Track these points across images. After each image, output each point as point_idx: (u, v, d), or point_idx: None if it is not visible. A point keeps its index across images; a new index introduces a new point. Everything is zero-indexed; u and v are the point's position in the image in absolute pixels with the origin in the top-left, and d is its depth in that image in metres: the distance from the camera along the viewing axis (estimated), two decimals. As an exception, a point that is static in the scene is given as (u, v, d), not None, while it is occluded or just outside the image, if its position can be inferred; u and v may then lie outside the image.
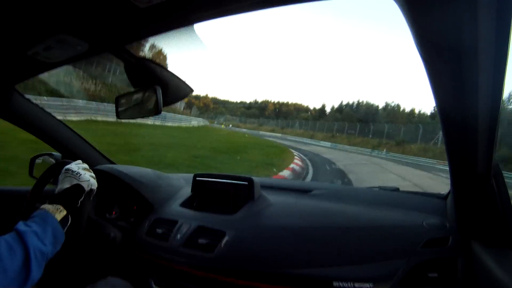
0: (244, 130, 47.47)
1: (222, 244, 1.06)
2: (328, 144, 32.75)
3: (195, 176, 1.42)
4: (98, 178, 1.52)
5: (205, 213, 1.25)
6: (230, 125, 57.45)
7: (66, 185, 0.94)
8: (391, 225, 1.07)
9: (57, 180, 1.65)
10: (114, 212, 1.49)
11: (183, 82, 0.91)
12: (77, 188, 0.95)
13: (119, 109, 0.98)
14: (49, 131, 1.51)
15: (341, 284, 0.90)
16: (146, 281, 1.20)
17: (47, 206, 0.87)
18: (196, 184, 1.42)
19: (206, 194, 1.41)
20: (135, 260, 1.23)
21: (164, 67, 0.86)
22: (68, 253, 1.03)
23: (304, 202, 1.32)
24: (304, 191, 1.46)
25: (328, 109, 72.02)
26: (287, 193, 1.46)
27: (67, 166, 0.99)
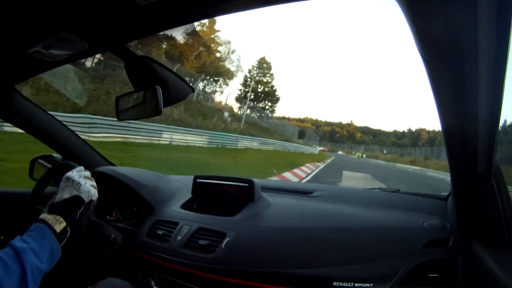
0: (381, 161, 44.13)
1: (223, 245, 1.06)
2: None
3: (195, 178, 1.42)
4: (98, 180, 1.52)
5: (206, 214, 1.25)
6: (364, 155, 53.84)
7: (66, 195, 0.92)
8: (392, 226, 1.07)
9: (58, 183, 1.66)
10: (114, 214, 1.49)
11: (184, 82, 0.91)
12: (77, 199, 0.93)
13: (119, 109, 0.98)
14: (50, 132, 1.50)
15: (341, 284, 0.90)
16: (146, 281, 1.19)
17: (47, 217, 0.85)
18: (196, 186, 1.42)
19: (206, 196, 1.41)
20: (135, 260, 1.23)
21: (164, 66, 0.85)
22: (68, 254, 1.02)
23: (305, 203, 1.32)
24: (304, 193, 1.46)
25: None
26: (287, 195, 1.46)
27: (68, 174, 0.96)
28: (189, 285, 1.08)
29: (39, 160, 1.63)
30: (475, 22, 0.49)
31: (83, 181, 0.96)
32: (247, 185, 1.29)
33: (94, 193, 0.98)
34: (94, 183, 1.01)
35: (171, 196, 1.46)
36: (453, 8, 0.47)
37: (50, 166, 1.60)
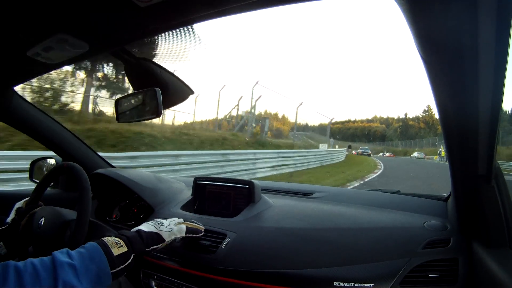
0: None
1: (223, 246, 1.06)
2: None
3: (195, 179, 1.42)
4: (98, 182, 1.53)
5: (206, 216, 1.25)
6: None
7: (144, 228, 0.91)
8: (392, 227, 1.07)
9: (57, 184, 1.66)
10: (114, 215, 1.49)
11: (183, 84, 0.91)
12: (152, 235, 0.90)
13: (119, 111, 0.98)
14: (50, 134, 1.50)
15: (341, 284, 0.90)
16: (146, 281, 1.19)
17: (107, 238, 0.80)
18: (196, 188, 1.42)
19: (206, 197, 1.41)
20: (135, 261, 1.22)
21: (164, 68, 0.85)
22: None
23: (305, 204, 1.32)
24: (305, 194, 1.46)
25: None
26: (288, 196, 1.46)
27: (157, 219, 0.99)
28: (189, 285, 1.08)
29: (39, 162, 1.64)
30: (475, 22, 0.49)
31: (167, 223, 0.97)
32: (247, 186, 1.29)
33: (179, 230, 0.98)
34: (182, 221, 1.02)
35: (171, 198, 1.46)
36: (453, 8, 0.47)
37: (50, 167, 1.61)
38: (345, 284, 0.90)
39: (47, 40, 0.71)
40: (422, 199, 1.34)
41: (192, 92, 0.93)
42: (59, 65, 0.88)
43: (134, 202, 1.50)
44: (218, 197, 1.38)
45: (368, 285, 0.89)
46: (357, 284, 0.89)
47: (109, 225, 1.30)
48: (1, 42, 0.77)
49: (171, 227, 0.96)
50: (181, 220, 1.04)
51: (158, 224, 0.94)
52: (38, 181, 1.25)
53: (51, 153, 1.61)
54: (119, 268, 0.77)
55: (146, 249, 0.86)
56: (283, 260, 0.99)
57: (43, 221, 1.09)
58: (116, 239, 0.80)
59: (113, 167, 1.74)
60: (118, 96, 1.01)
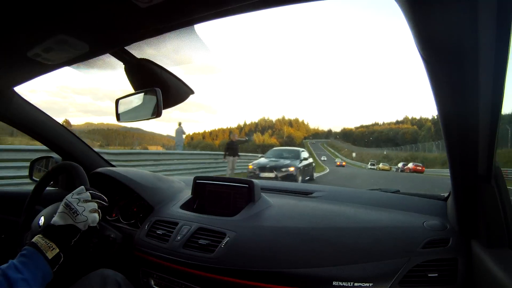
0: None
1: (223, 245, 1.06)
2: None
3: (195, 178, 1.42)
4: (97, 181, 1.53)
5: (205, 215, 1.25)
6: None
7: (61, 221, 0.87)
8: (391, 226, 1.07)
9: (57, 183, 1.66)
10: (114, 214, 1.49)
11: (184, 84, 0.91)
12: (71, 228, 0.88)
13: (119, 111, 0.98)
14: (50, 134, 1.51)
15: (340, 283, 0.90)
16: (145, 281, 1.20)
17: (40, 242, 0.82)
18: (196, 187, 1.42)
19: (206, 196, 1.41)
20: (135, 260, 1.23)
21: (164, 69, 0.85)
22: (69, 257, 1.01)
23: (305, 204, 1.32)
24: (304, 194, 1.46)
25: None
26: (287, 196, 1.46)
27: (67, 200, 0.91)
28: (188, 285, 1.08)
29: (39, 161, 1.64)
30: (475, 22, 0.49)
31: (81, 208, 0.90)
32: (247, 186, 1.29)
33: (93, 220, 0.92)
34: (95, 206, 0.94)
35: (171, 197, 1.46)
36: (454, 9, 0.47)
37: (50, 167, 1.61)
38: (345, 284, 0.90)
39: (47, 41, 0.71)
40: (422, 199, 1.34)
41: (192, 92, 0.93)
42: (59, 66, 0.88)
43: (134, 201, 1.50)
44: (217, 196, 1.38)
45: (367, 284, 0.89)
46: (356, 284, 0.89)
47: (108, 224, 1.30)
48: (1, 43, 0.77)
49: (85, 215, 0.90)
50: (88, 196, 0.93)
51: (73, 213, 0.88)
52: (38, 179, 1.25)
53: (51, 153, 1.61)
54: (56, 267, 0.83)
55: (70, 245, 0.88)
56: (282, 259, 0.99)
57: (42, 220, 1.09)
58: (48, 242, 0.83)
59: (113, 166, 1.74)
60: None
